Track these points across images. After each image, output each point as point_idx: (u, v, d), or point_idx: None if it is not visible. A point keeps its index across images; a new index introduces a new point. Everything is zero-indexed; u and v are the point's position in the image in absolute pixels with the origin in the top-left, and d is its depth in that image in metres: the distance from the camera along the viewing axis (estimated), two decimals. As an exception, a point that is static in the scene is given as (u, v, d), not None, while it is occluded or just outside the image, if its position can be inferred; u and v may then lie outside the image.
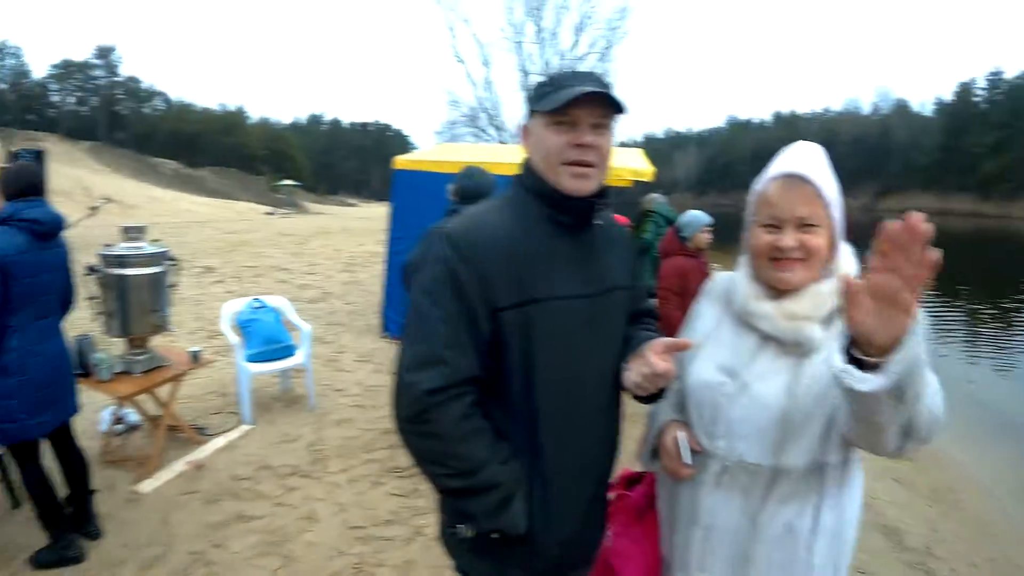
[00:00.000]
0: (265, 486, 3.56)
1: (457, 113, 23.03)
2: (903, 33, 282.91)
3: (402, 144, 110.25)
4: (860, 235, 1.36)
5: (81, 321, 3.69)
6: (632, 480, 1.60)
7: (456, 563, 1.39)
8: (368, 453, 4.01)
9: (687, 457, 1.30)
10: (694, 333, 1.44)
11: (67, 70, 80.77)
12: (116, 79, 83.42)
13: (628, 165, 6.67)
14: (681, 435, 1.32)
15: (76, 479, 2.99)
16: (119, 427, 4.03)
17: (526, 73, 21.41)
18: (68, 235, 2.90)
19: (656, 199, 6.32)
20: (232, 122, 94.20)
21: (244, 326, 4.65)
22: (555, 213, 1.28)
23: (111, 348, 3.67)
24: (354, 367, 5.86)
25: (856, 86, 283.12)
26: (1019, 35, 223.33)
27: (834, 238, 1.27)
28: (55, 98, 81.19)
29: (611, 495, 1.54)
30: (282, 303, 5.06)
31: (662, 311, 4.46)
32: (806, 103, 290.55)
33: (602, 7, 21.24)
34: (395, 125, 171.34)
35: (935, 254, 0.86)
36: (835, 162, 1.29)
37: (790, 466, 1.21)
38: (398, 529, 3.20)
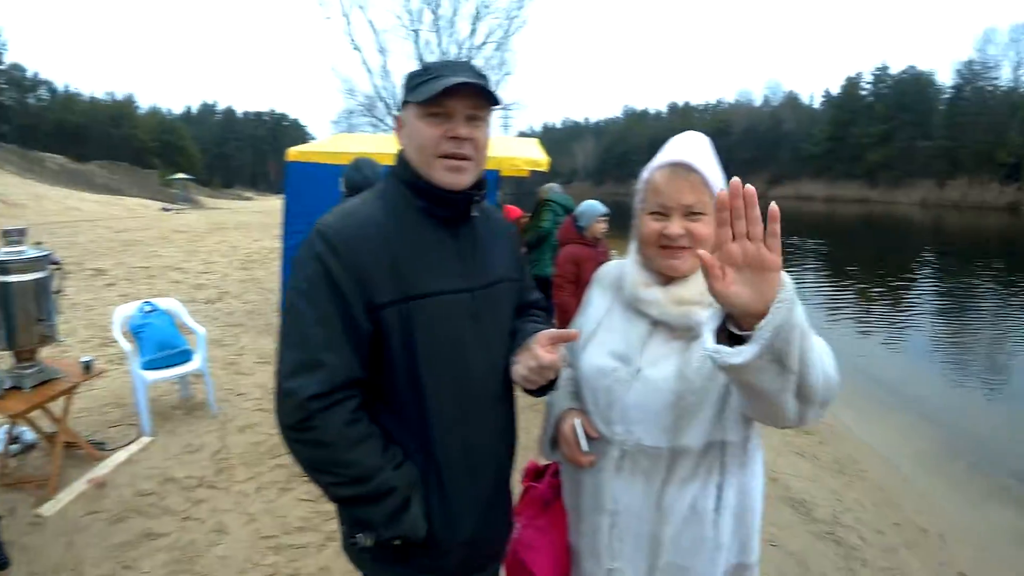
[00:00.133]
0: (171, 500, 3.41)
1: (354, 102, 22.49)
2: (792, 28, 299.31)
3: (299, 134, 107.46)
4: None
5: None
6: (539, 472, 1.59)
7: (362, 573, 1.35)
8: (274, 458, 3.88)
9: (585, 444, 1.31)
10: (586, 321, 1.45)
11: (-56, 58, 72.91)
12: (-1, 67, 76.26)
13: (525, 155, 6.72)
14: (578, 422, 1.33)
15: None
16: (14, 447, 3.77)
17: (423, 62, 21.14)
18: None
19: (552, 188, 6.38)
20: (121, 112, 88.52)
21: (136, 332, 4.38)
22: (431, 207, 1.25)
23: (-3, 363, 3.39)
24: (255, 369, 5.63)
25: (747, 79, 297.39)
26: (903, 32, 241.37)
27: None
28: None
29: (521, 487, 1.54)
30: (175, 305, 4.81)
31: (558, 299, 4.56)
32: (700, 94, 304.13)
33: (500, -4, 21.12)
34: (291, 114, 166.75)
35: (775, 207, 0.88)
36: (728, 151, 1.33)
37: (688, 447, 1.23)
38: (310, 536, 3.13)
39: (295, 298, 1.18)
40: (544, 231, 6.00)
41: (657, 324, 1.30)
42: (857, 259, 21.35)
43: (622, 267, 1.41)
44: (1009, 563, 4.04)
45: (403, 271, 1.19)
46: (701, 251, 0.92)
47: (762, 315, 0.91)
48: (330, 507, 3.24)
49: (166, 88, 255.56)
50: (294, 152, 6.74)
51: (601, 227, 4.62)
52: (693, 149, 1.30)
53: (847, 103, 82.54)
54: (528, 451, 1.65)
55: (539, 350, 1.23)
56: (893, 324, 11.41)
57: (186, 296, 8.26)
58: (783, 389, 0.96)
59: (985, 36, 73.10)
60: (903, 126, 73.53)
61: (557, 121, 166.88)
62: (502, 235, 1.42)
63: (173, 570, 2.85)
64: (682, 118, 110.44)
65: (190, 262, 11.68)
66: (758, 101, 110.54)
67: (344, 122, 23.63)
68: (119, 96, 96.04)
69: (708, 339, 0.99)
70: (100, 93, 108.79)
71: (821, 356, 1.03)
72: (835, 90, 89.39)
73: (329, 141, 8.67)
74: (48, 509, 3.25)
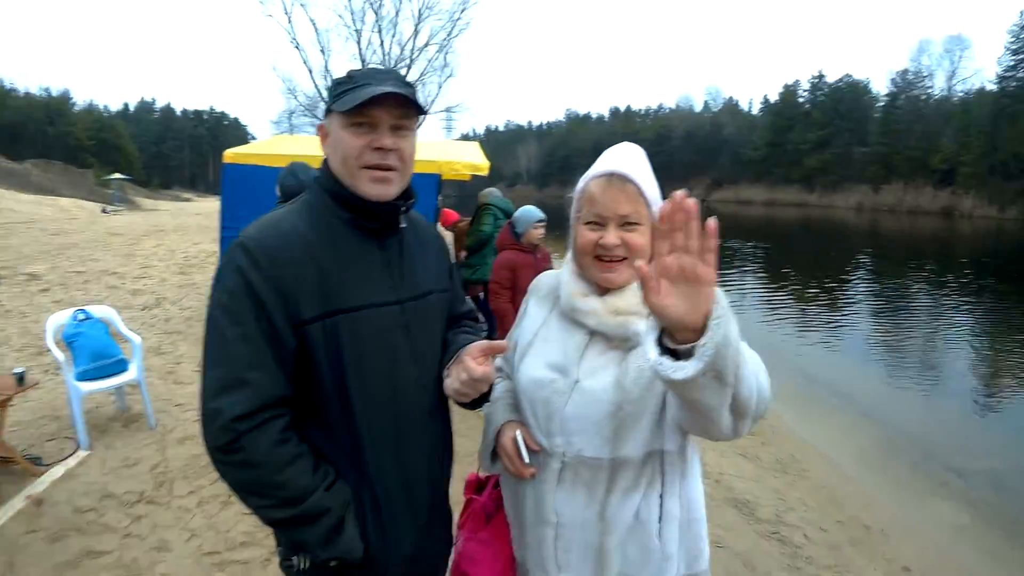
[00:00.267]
0: (111, 517, 3.29)
1: (295, 102, 22.06)
2: (732, 36, 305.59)
3: (240, 134, 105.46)
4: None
5: None
6: (481, 484, 1.58)
7: None
8: (215, 471, 3.75)
9: (526, 456, 1.30)
10: (523, 333, 1.44)
11: None
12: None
13: (465, 159, 6.71)
14: (519, 435, 1.32)
15: None
16: (-52, 464, 3.56)
17: (365, 63, 20.92)
18: None
19: (492, 192, 6.37)
20: (56, 109, 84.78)
21: (70, 341, 4.20)
22: (357, 218, 1.22)
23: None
24: (194, 378, 5.41)
25: (688, 85, 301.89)
26: (840, 41, 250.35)
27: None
28: None
29: (463, 499, 1.53)
30: (109, 313, 4.61)
31: (494, 305, 4.54)
32: (641, 99, 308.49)
33: (443, -2, 21.08)
34: (232, 113, 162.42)
35: (712, 223, 0.88)
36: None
37: (628, 457, 1.23)
38: (254, 551, 3.05)
39: (216, 312, 1.14)
40: (485, 235, 5.98)
41: (594, 334, 1.30)
42: (795, 262, 21.92)
43: (558, 277, 1.41)
44: (950, 556, 4.18)
45: (328, 284, 1.16)
46: (638, 263, 0.92)
47: (695, 328, 0.90)
48: (272, 522, 3.20)
49: (103, 84, 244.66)
50: (231, 154, 6.58)
51: (538, 233, 4.59)
52: (629, 159, 1.31)
53: (785, 110, 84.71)
54: (472, 461, 1.63)
55: (471, 362, 1.22)
56: (830, 325, 11.74)
57: (123, 302, 7.97)
58: (721, 404, 0.97)
59: (920, 47, 75.71)
60: (840, 132, 76.08)
61: (500, 124, 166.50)
62: (431, 245, 1.40)
63: (117, 589, 2.73)
64: (624, 122, 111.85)
65: (127, 266, 11.22)
66: (699, 107, 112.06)
67: (285, 122, 23.20)
68: (55, 92, 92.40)
69: (651, 351, 0.98)
70: (35, 88, 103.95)
71: (756, 372, 1.04)
72: (773, 97, 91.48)
73: (268, 143, 8.51)
74: (-15, 528, 3.09)
